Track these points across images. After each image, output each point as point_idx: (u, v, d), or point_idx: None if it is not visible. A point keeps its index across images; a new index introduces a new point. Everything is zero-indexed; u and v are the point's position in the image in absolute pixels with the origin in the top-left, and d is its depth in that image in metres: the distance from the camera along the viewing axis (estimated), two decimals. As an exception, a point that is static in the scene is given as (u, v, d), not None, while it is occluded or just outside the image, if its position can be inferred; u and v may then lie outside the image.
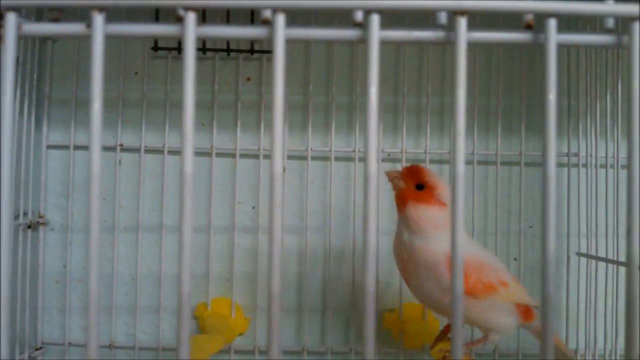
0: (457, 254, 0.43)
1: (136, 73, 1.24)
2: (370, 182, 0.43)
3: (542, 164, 1.21)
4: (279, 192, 0.42)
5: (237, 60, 1.24)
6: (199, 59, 1.23)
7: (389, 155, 1.24)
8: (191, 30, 0.41)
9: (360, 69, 1.23)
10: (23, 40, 1.13)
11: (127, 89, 1.22)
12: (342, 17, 0.42)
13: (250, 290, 1.23)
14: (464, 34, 0.42)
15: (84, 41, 1.22)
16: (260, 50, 1.22)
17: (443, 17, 0.43)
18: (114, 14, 0.44)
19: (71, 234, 1.21)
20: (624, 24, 0.44)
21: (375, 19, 0.42)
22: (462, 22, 0.42)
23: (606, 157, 1.17)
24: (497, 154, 1.22)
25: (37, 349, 1.19)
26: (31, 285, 1.16)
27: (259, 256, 1.22)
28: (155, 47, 1.21)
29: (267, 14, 0.42)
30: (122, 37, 0.42)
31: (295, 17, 0.59)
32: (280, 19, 0.42)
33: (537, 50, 1.24)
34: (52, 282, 1.22)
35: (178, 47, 1.21)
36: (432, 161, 1.22)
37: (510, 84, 1.25)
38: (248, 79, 1.25)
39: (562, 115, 1.24)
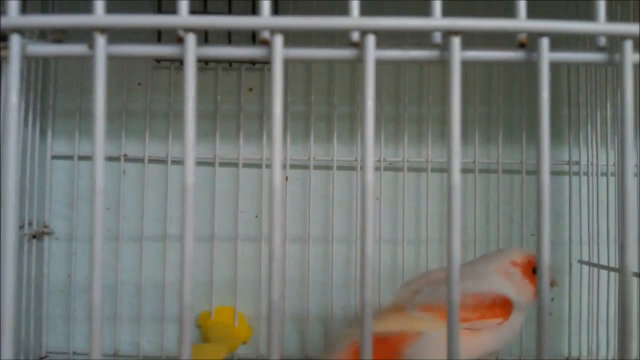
0: (453, 266, 0.44)
1: (139, 84, 1.25)
2: (367, 191, 0.43)
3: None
4: (279, 205, 0.43)
5: (239, 71, 1.24)
6: (201, 70, 1.24)
7: (390, 164, 1.24)
8: (191, 51, 0.42)
9: (362, 78, 1.23)
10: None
11: (130, 99, 1.23)
12: (342, 36, 0.42)
13: (253, 298, 1.23)
14: (458, 53, 0.43)
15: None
16: (262, 62, 1.23)
17: (438, 37, 0.44)
18: (116, 33, 0.45)
19: (76, 243, 1.22)
20: (616, 42, 0.45)
21: (371, 40, 0.43)
22: (456, 41, 0.43)
23: (607, 165, 1.17)
24: (498, 162, 1.23)
25: (41, 358, 1.20)
26: (36, 295, 1.17)
27: (262, 265, 1.23)
28: (158, 59, 1.21)
29: (266, 34, 0.43)
30: (124, 57, 0.43)
31: (296, 35, 0.60)
32: (278, 40, 0.43)
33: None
34: (57, 292, 1.23)
35: (180, 59, 1.21)
36: (433, 170, 1.23)
37: (511, 92, 1.25)
38: (250, 90, 1.26)
39: (563, 123, 1.24)
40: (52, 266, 1.23)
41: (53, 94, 1.23)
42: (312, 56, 0.45)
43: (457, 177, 0.43)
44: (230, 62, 1.23)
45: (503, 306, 0.94)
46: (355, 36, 0.44)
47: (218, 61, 1.23)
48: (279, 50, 0.42)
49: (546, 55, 0.43)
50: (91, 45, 0.43)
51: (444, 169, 1.25)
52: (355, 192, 1.24)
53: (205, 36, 1.12)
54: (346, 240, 1.24)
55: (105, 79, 0.43)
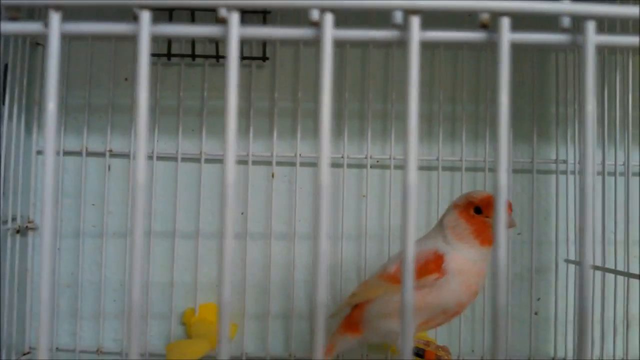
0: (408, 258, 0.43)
1: (126, 79, 1.24)
2: (323, 191, 0.43)
3: (530, 170, 1.22)
4: (231, 200, 0.42)
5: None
6: (188, 65, 1.24)
7: (377, 162, 1.24)
8: (145, 29, 0.42)
9: (349, 75, 1.23)
10: (13, 45, 1.13)
11: (117, 95, 1.23)
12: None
13: (238, 296, 1.22)
14: (417, 33, 0.42)
15: (75, 47, 1.23)
16: (248, 57, 1.22)
17: (399, 17, 0.43)
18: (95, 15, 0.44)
19: (60, 239, 1.22)
20: (579, 23, 0.44)
21: (329, 18, 0.42)
22: (416, 21, 0.42)
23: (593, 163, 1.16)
24: (485, 161, 1.22)
25: (24, 354, 1.20)
26: (20, 290, 1.17)
27: (248, 262, 1.22)
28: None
29: (223, 12, 0.42)
30: (79, 35, 0.43)
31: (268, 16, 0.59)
32: (235, 18, 0.42)
33: (519, 55, 1.24)
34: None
35: (168, 54, 1.21)
36: (419, 168, 1.22)
37: (477, 90, 1.25)
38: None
39: (550, 122, 1.24)
40: (36, 261, 1.22)
41: (39, 88, 1.22)
42: (269, 35, 0.44)
43: (413, 171, 0.42)
44: (217, 58, 1.22)
45: (435, 261, 0.96)
46: (315, 15, 0.43)
47: (206, 57, 1.22)
48: (235, 29, 0.42)
49: (507, 35, 0.42)
50: (46, 24, 0.42)
51: (431, 167, 1.24)
52: (341, 189, 1.23)
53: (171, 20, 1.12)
54: (332, 237, 1.24)
55: (59, 57, 0.42)
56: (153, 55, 1.21)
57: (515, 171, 1.23)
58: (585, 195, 0.43)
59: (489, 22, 0.44)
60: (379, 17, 0.43)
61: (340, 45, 1.21)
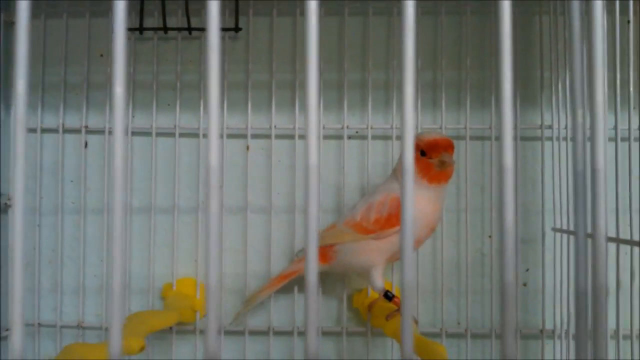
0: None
1: (101, 55, 1.24)
2: (212, 171, 0.42)
3: (514, 138, 1.18)
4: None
5: (199, 39, 1.23)
6: (161, 39, 1.23)
7: (357, 132, 1.22)
8: None
9: (324, 45, 1.21)
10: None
11: (92, 71, 1.23)
12: None
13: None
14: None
15: (51, 24, 1.24)
16: (223, 29, 1.21)
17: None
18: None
19: (40, 216, 1.22)
20: None
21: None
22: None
23: (573, 129, 1.10)
24: (466, 128, 1.19)
25: (7, 330, 1.21)
26: (1, 267, 1.18)
27: (225, 236, 1.21)
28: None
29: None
30: None
31: None
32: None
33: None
34: (22, 264, 1.23)
35: (140, 28, 1.20)
36: (399, 137, 1.20)
37: (481, 57, 1.21)
38: (214, 58, 1.24)
39: (535, 87, 1.19)
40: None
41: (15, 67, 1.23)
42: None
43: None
44: (189, 31, 1.20)
45: (398, 216, 0.97)
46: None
47: (179, 29, 1.21)
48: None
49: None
50: None
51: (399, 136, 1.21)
52: (320, 160, 1.21)
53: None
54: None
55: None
56: (127, 29, 1.21)
57: (498, 138, 1.19)
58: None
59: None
60: None
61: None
